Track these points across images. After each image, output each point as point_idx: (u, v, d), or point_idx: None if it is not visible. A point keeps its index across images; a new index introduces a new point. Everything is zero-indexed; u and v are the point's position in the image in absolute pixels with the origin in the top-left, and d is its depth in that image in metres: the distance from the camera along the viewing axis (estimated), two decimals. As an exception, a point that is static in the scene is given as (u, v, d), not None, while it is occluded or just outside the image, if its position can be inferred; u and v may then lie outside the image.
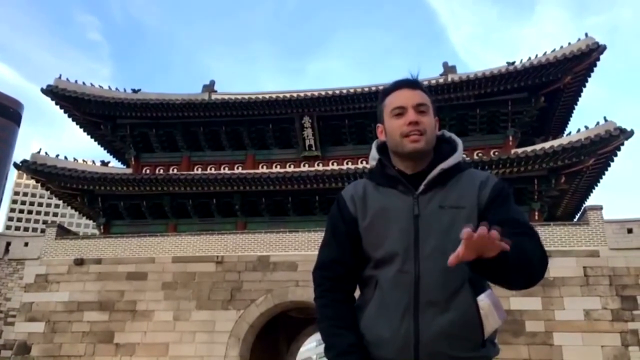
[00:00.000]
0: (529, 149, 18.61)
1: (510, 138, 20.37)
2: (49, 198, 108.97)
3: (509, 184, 1.94)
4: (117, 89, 22.85)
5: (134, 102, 21.48)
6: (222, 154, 22.60)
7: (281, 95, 21.08)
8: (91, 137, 23.90)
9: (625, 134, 17.59)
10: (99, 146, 24.40)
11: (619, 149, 18.15)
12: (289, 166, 21.72)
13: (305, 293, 17.07)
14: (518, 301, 15.88)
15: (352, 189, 1.95)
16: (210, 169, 22.10)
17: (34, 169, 20.73)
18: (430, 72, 22.43)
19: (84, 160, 22.06)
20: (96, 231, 25.75)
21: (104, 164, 22.44)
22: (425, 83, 16.80)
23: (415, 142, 1.80)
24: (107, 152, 24.78)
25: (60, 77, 22.08)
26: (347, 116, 20.98)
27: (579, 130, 18.54)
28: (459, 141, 1.93)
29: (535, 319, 15.95)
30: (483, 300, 1.70)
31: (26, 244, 19.97)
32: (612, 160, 18.75)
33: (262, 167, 21.90)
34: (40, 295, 18.88)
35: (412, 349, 1.68)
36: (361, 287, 1.91)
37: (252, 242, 18.70)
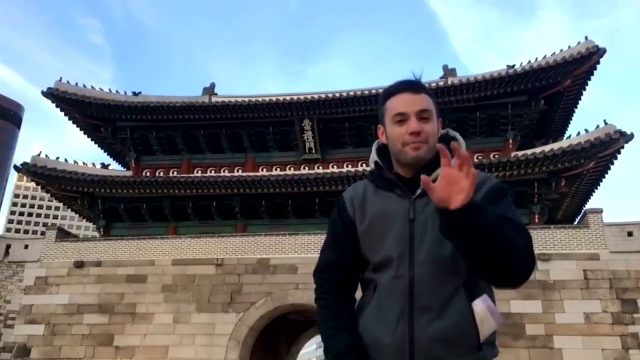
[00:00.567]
0: (529, 152, 18.60)
1: (511, 141, 20.38)
2: (49, 201, 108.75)
3: (510, 187, 1.92)
4: (117, 91, 22.91)
5: (135, 104, 21.52)
6: (223, 156, 22.64)
7: (281, 98, 21.08)
8: (92, 140, 23.96)
9: (626, 137, 17.60)
10: (100, 149, 24.47)
11: (619, 153, 18.18)
12: (289, 169, 21.73)
13: (306, 296, 17.06)
14: (519, 304, 15.89)
15: (352, 191, 1.94)
16: (211, 172, 22.11)
17: (35, 171, 20.75)
18: (431, 75, 22.46)
19: (84, 163, 22.11)
20: (96, 234, 25.73)
21: (105, 166, 22.48)
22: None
23: (417, 151, 1.76)
24: (108, 154, 24.82)
25: (61, 80, 22.18)
26: (348, 119, 20.99)
27: (579, 134, 18.55)
28: (463, 142, 1.87)
29: (536, 323, 15.93)
30: (478, 305, 1.68)
31: (26, 247, 19.99)
32: (613, 164, 18.77)
33: (263, 170, 21.92)
34: (41, 297, 18.89)
35: (407, 353, 1.68)
36: (363, 289, 1.91)
37: (252, 245, 18.70)
